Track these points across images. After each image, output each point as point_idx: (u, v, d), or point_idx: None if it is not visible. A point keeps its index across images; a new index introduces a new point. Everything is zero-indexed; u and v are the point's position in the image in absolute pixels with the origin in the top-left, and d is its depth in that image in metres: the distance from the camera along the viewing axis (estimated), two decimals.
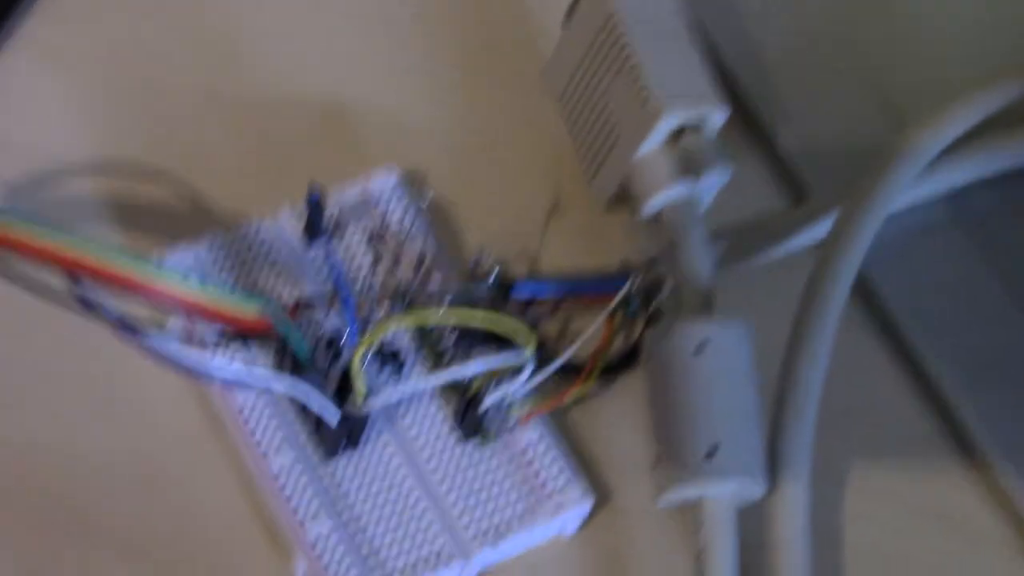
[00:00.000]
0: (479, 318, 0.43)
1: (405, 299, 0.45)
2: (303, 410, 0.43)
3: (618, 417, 0.45)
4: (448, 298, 0.44)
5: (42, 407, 0.43)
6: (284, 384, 0.40)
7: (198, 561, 0.42)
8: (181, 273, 0.38)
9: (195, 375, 0.39)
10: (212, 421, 0.44)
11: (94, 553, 0.42)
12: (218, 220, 0.46)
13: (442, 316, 0.43)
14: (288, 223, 0.45)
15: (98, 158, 0.46)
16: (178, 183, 0.47)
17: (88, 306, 0.37)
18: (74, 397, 0.44)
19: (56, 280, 0.37)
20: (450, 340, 0.44)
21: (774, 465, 0.43)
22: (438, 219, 0.47)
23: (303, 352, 0.41)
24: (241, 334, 0.40)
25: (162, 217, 0.46)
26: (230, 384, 0.41)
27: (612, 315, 0.45)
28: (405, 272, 0.45)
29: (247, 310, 0.39)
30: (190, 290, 0.38)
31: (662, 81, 0.44)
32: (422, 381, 0.43)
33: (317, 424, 0.42)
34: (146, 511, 0.42)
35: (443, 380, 0.43)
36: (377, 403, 0.43)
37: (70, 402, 0.43)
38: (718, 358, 0.42)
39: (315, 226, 0.45)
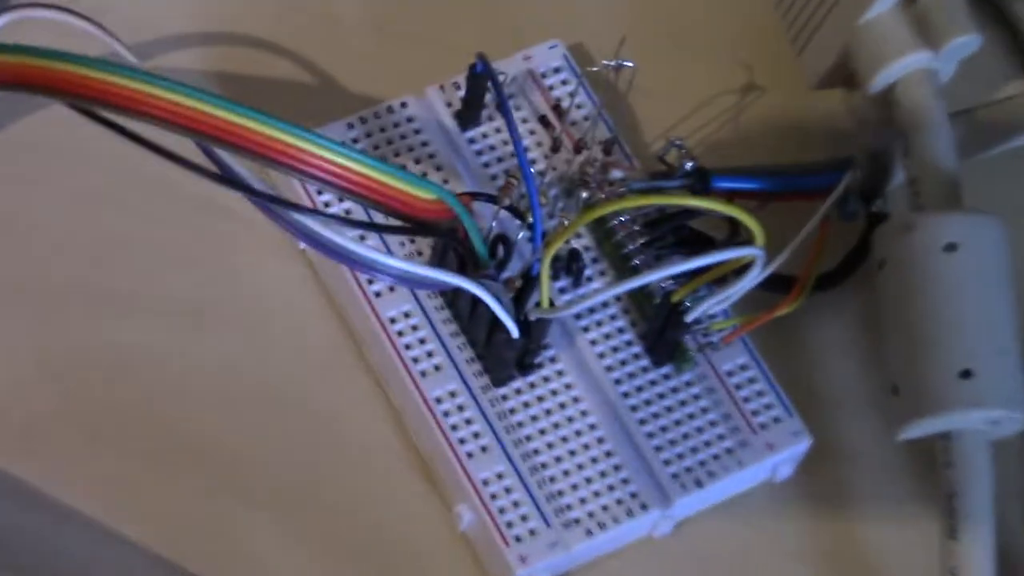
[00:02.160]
0: (705, 203, 0.40)
1: (585, 195, 0.43)
2: (469, 324, 0.41)
3: (833, 340, 0.44)
4: (637, 188, 0.43)
5: (148, 315, 0.43)
6: (474, 286, 0.38)
7: (342, 503, 0.41)
8: (343, 145, 0.36)
9: (356, 266, 0.38)
10: (354, 339, 0.43)
11: (221, 494, 0.41)
12: (355, 102, 0.46)
13: (642, 199, 0.41)
14: (438, 104, 0.44)
15: (217, 31, 0.47)
16: (305, 60, 0.46)
17: (229, 178, 0.36)
18: (191, 303, 0.43)
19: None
20: (636, 245, 0.42)
21: None
22: (619, 103, 0.45)
23: (482, 248, 0.39)
24: (410, 223, 0.38)
25: (291, 97, 0.46)
26: (400, 280, 0.39)
27: (826, 216, 0.43)
28: (583, 163, 0.43)
29: (421, 194, 0.37)
30: (355, 164, 0.36)
31: None
32: (611, 289, 0.41)
33: (486, 342, 0.40)
34: (282, 447, 0.42)
35: (637, 284, 0.40)
36: (560, 313, 0.40)
37: (191, 308, 0.43)
38: (974, 260, 0.41)
39: (475, 107, 0.43)
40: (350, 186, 0.36)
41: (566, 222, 0.42)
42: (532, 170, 0.42)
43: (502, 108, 0.42)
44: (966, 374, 0.39)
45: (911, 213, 0.41)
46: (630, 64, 0.43)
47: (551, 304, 0.39)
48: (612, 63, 0.43)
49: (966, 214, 0.41)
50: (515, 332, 0.39)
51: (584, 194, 0.42)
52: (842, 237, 0.44)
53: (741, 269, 0.40)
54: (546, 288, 0.39)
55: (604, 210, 0.41)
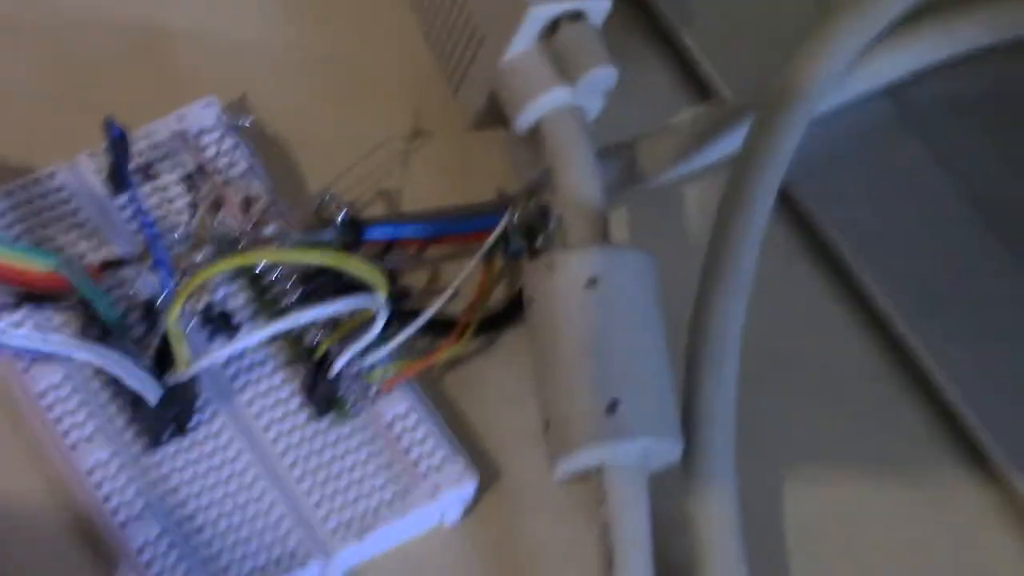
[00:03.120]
0: (318, 257, 0.41)
1: (234, 249, 0.43)
2: (119, 390, 0.41)
3: (503, 381, 0.45)
4: (291, 242, 0.43)
5: None
6: (88, 352, 0.39)
7: None
8: None
9: None
10: (9, 410, 0.42)
11: None
12: (5, 171, 0.45)
13: (274, 255, 0.42)
14: (89, 171, 0.44)
15: None
16: None
17: None
18: None
19: None
20: (291, 297, 0.43)
21: (689, 419, 0.42)
22: (271, 155, 0.46)
23: (110, 315, 0.40)
24: (32, 295, 0.39)
25: None
26: (21, 353, 0.40)
27: (489, 257, 0.44)
28: (232, 218, 0.44)
29: (35, 265, 0.38)
30: None
31: None
32: (253, 334, 0.41)
33: (136, 406, 0.41)
34: None
35: (277, 330, 0.41)
36: (201, 366, 0.41)
37: None
38: (615, 293, 0.41)
39: (120, 170, 0.43)
40: None
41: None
42: (175, 231, 0.43)
43: (134, 182, 0.43)
44: (612, 407, 0.39)
45: (556, 251, 0.41)
46: (248, 121, 0.44)
47: (187, 362, 0.40)
48: (240, 121, 0.44)
49: (604, 248, 0.41)
50: (153, 398, 0.40)
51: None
52: (511, 277, 0.44)
53: (405, 318, 0.41)
54: (179, 348, 0.39)
55: (232, 262, 0.41)
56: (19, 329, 0.40)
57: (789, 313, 0.45)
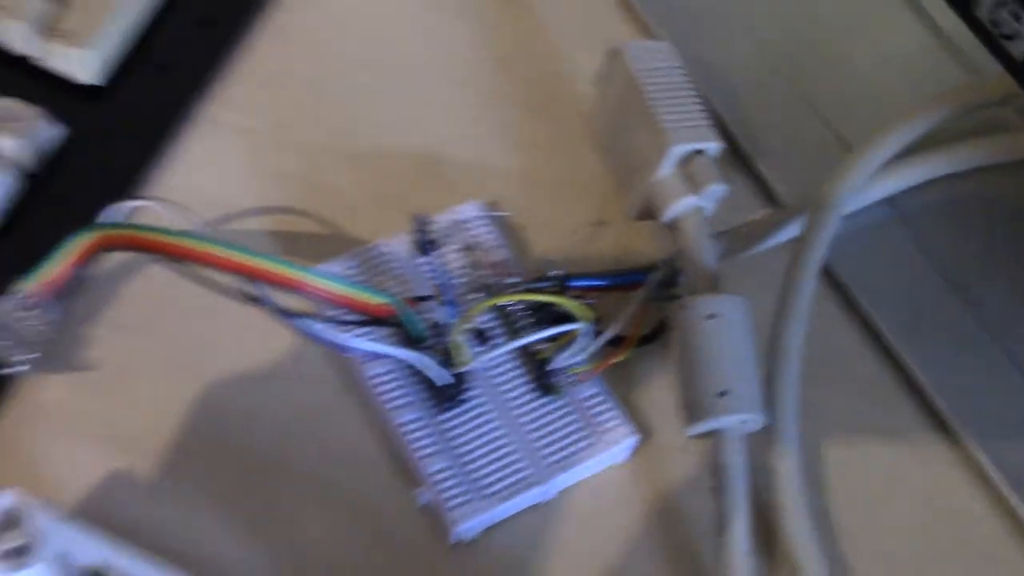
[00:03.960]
0: (546, 295, 0.42)
1: (491, 292, 0.43)
2: (419, 377, 0.42)
3: (652, 377, 0.44)
4: (524, 288, 0.43)
5: (231, 380, 0.43)
6: (404, 354, 0.40)
7: (348, 491, 0.41)
8: (327, 274, 0.38)
9: (341, 350, 0.39)
10: (352, 388, 0.43)
11: (274, 488, 0.41)
12: (351, 244, 0.45)
13: (518, 295, 0.43)
14: (403, 243, 0.44)
15: (262, 204, 0.46)
16: (320, 219, 0.46)
17: (260, 301, 0.38)
18: (257, 371, 0.43)
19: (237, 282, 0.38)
20: (524, 322, 0.43)
21: (770, 403, 0.42)
22: (514, 236, 0.46)
23: (420, 331, 0.40)
24: (371, 319, 0.40)
25: (309, 244, 0.45)
26: (366, 355, 0.40)
27: (644, 299, 0.44)
28: (489, 274, 0.44)
29: (377, 301, 0.39)
30: (333, 286, 0.38)
31: (672, 120, 0.43)
32: (504, 347, 0.42)
33: (430, 387, 0.42)
34: (309, 455, 0.42)
35: (519, 344, 0.42)
36: (473, 366, 0.42)
37: (251, 376, 0.43)
38: (725, 323, 0.41)
39: (422, 244, 0.44)
40: (330, 298, 0.37)
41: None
42: (455, 282, 0.43)
43: (430, 250, 0.43)
44: (723, 394, 0.40)
45: (687, 296, 0.41)
46: (505, 213, 0.45)
47: (468, 359, 0.41)
48: (497, 214, 0.45)
49: (719, 296, 0.41)
50: (438, 380, 0.41)
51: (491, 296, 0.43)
52: (658, 312, 0.44)
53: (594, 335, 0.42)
54: (458, 353, 0.40)
55: (494, 301, 0.42)
56: (364, 339, 0.40)
57: (819, 331, 0.44)
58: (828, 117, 0.49)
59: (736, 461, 0.40)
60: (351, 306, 0.38)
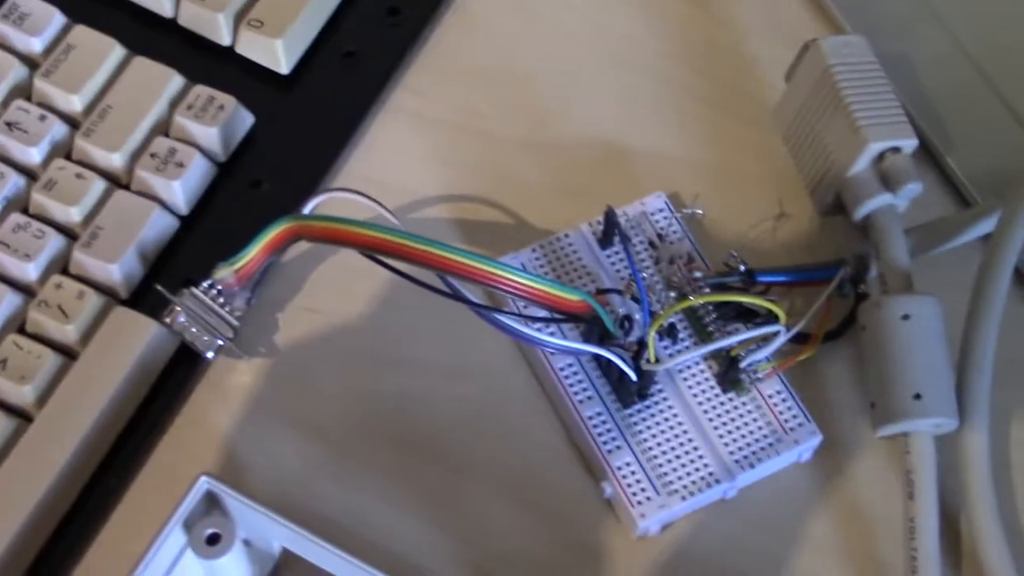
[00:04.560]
0: (741, 296, 0.41)
1: (677, 287, 0.43)
2: (606, 371, 0.41)
3: (836, 374, 0.43)
4: (707, 284, 0.43)
5: (415, 370, 0.43)
6: (605, 351, 0.39)
7: (532, 483, 0.41)
8: (523, 272, 0.37)
9: (535, 344, 0.39)
10: (538, 381, 0.43)
11: (457, 479, 0.41)
12: (536, 234, 0.45)
13: (713, 297, 0.42)
14: (587, 234, 0.44)
15: (448, 193, 0.46)
16: (505, 209, 0.46)
17: (455, 294, 0.38)
18: (440, 362, 0.43)
19: (430, 276, 0.37)
20: (711, 318, 0.42)
21: (962, 406, 0.41)
22: (696, 228, 0.45)
23: (612, 328, 0.40)
24: (565, 315, 0.39)
25: (494, 234, 0.45)
26: (559, 351, 0.40)
27: (830, 296, 0.42)
28: (675, 268, 0.43)
29: (572, 297, 0.38)
30: (530, 283, 0.37)
31: (868, 117, 0.42)
32: (697, 350, 0.41)
33: (617, 382, 0.41)
34: (492, 446, 0.42)
35: (714, 348, 0.41)
36: (664, 366, 0.41)
37: (436, 366, 0.43)
38: (920, 324, 0.40)
39: (610, 235, 0.43)
40: (527, 295, 0.37)
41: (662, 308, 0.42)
42: (643, 275, 0.42)
43: (623, 240, 0.42)
44: (917, 396, 0.39)
45: (880, 295, 0.41)
46: (700, 211, 0.44)
47: (656, 360, 0.40)
48: (689, 210, 0.44)
49: (914, 295, 0.40)
50: (633, 377, 0.40)
51: (672, 293, 0.42)
52: (842, 309, 0.43)
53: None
54: (652, 350, 0.40)
55: (687, 304, 0.41)
56: (555, 336, 0.40)
57: (1010, 332, 0.42)
58: (1021, 115, 0.47)
59: (928, 465, 0.39)
60: (548, 302, 0.37)
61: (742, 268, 0.43)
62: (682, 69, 0.49)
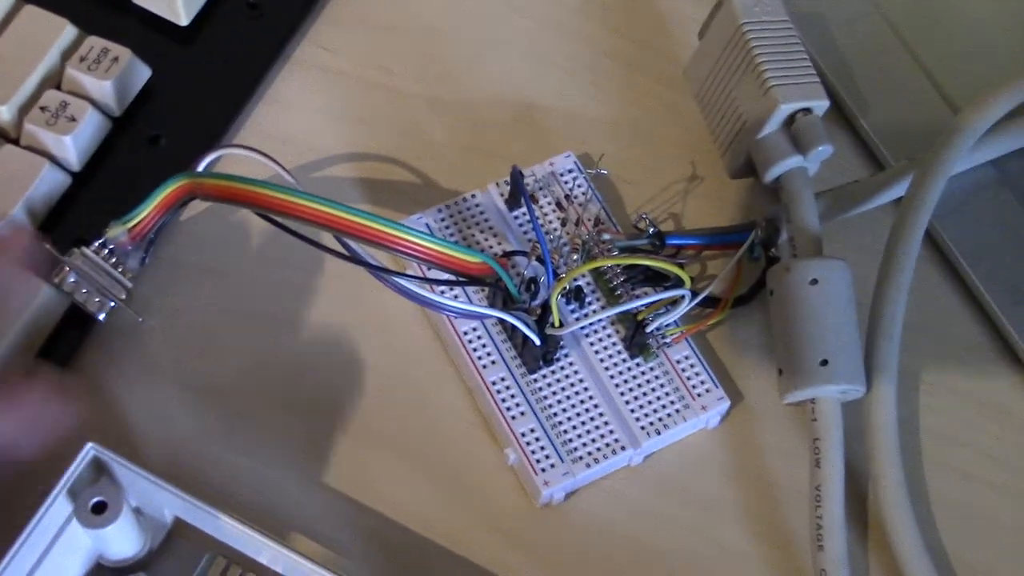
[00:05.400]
0: (646, 259, 0.40)
1: (585, 250, 0.41)
2: (511, 336, 0.40)
3: (745, 339, 0.42)
4: (617, 247, 0.41)
5: (314, 332, 0.41)
6: (500, 313, 0.38)
7: (433, 449, 0.40)
8: (421, 232, 0.36)
9: (435, 308, 0.37)
10: (442, 344, 0.41)
11: (357, 443, 0.40)
12: (442, 194, 0.44)
13: (619, 260, 0.40)
14: (495, 195, 0.43)
15: (353, 151, 0.44)
16: (411, 168, 0.44)
17: (353, 257, 0.36)
18: (341, 323, 0.41)
19: (328, 238, 0.36)
20: (619, 280, 0.41)
21: (869, 372, 0.40)
22: (606, 189, 0.44)
23: (514, 291, 0.38)
24: (467, 278, 0.37)
25: (400, 193, 0.44)
26: (460, 315, 0.39)
27: (740, 259, 0.42)
28: (583, 230, 0.42)
29: (472, 259, 0.37)
30: (428, 244, 0.36)
31: (780, 78, 0.41)
32: (603, 313, 0.40)
33: (521, 347, 0.40)
34: (393, 410, 0.40)
35: (619, 311, 0.40)
36: (568, 330, 0.40)
37: (336, 328, 0.41)
38: (828, 289, 0.39)
39: (516, 196, 0.42)
40: (426, 257, 0.36)
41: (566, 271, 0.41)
42: (549, 237, 0.41)
43: (527, 202, 0.41)
44: (824, 363, 0.38)
45: (790, 259, 0.40)
46: (604, 171, 0.43)
47: (560, 324, 0.39)
48: (594, 171, 0.43)
49: (823, 259, 0.39)
50: (537, 342, 0.39)
51: (577, 256, 0.41)
52: (754, 273, 0.42)
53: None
54: (556, 313, 0.38)
55: (592, 265, 0.40)
56: (457, 299, 0.39)
57: (919, 295, 0.42)
58: (936, 77, 0.46)
59: (834, 432, 0.38)
60: (448, 264, 0.36)
61: (651, 231, 0.42)
62: (596, 26, 0.47)
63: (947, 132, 0.43)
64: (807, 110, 0.41)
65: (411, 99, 0.45)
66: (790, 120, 0.41)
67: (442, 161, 0.44)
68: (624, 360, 0.40)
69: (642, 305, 0.39)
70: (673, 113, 0.45)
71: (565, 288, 0.40)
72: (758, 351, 0.42)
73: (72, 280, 0.38)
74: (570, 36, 0.47)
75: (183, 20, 0.44)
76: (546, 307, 0.39)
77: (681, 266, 0.39)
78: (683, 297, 0.38)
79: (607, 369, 0.40)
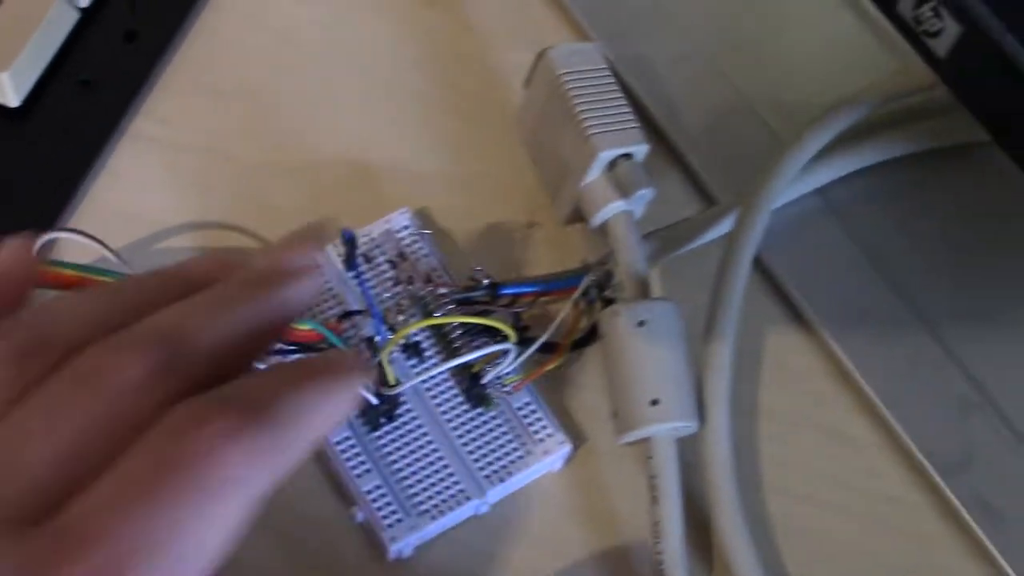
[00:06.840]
0: (475, 319, 0.40)
1: (423, 305, 0.41)
2: None
3: (587, 381, 0.42)
4: (453, 300, 0.41)
5: None
6: None
7: (282, 511, 0.39)
8: None
9: None
10: None
11: None
12: None
13: (446, 318, 0.40)
14: (332, 257, 0.42)
15: (192, 221, 0.44)
16: (252, 235, 0.43)
17: None
18: None
19: None
20: (457, 333, 0.41)
21: (703, 406, 0.40)
22: (444, 242, 0.44)
23: None
24: (300, 346, 0.37)
25: None
26: None
27: (576, 303, 0.41)
28: (420, 285, 0.42)
29: (302, 328, 0.37)
30: None
31: (598, 125, 0.41)
32: (433, 370, 0.40)
33: (364, 405, 0.39)
34: None
35: (451, 366, 0.40)
36: (406, 385, 0.40)
37: None
38: (656, 329, 0.39)
39: (351, 257, 0.41)
40: None
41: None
42: (387, 295, 0.41)
43: (355, 264, 0.40)
44: (654, 402, 0.38)
45: (618, 303, 0.39)
46: (429, 232, 0.42)
47: (395, 383, 0.39)
48: (427, 229, 0.42)
49: (650, 301, 0.39)
50: (374, 401, 0.38)
51: (414, 312, 0.41)
52: (592, 316, 0.41)
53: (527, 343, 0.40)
54: (389, 373, 0.38)
55: (421, 324, 0.40)
56: None
57: (752, 325, 0.43)
58: (760, 112, 0.46)
59: (670, 469, 0.38)
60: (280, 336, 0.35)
61: (485, 282, 0.41)
62: (427, 80, 0.47)
63: (768, 167, 0.43)
64: (627, 155, 0.41)
65: (247, 166, 0.45)
66: (612, 166, 0.41)
67: (282, 226, 0.41)
68: (467, 411, 0.40)
69: (472, 359, 0.39)
70: (508, 163, 0.45)
71: (400, 345, 0.40)
72: (600, 393, 0.41)
73: None
74: (402, 92, 0.47)
75: (13, 101, 0.43)
76: (380, 367, 0.38)
77: (499, 319, 0.39)
78: (508, 350, 0.38)
79: (449, 421, 0.40)
